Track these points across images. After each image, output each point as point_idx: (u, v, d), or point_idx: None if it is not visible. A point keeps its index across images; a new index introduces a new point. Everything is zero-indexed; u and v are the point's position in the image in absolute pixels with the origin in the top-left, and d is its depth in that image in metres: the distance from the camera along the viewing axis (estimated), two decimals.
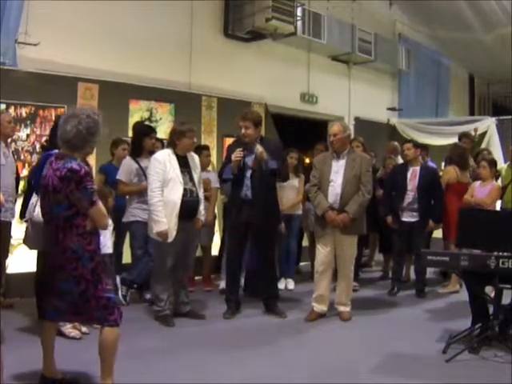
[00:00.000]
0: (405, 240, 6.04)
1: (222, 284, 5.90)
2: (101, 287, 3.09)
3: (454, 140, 7.36)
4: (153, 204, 4.66)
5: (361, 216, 5.03)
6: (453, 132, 8.98)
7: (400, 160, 6.95)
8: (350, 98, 9.69)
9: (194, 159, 4.95)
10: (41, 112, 5.88)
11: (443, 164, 7.41)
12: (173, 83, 7.08)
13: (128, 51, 6.65)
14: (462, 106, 12.51)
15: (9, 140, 5.21)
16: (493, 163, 5.95)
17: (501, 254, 3.91)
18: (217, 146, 7.44)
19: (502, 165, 7.16)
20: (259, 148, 4.88)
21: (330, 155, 5.13)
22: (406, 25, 10.59)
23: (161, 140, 5.85)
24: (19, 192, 5.14)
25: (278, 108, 8.46)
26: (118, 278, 5.26)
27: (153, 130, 5.66)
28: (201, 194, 4.94)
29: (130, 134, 6.08)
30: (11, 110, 5.70)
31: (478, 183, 5.91)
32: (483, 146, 8.67)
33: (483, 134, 9.00)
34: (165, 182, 4.66)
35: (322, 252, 5.02)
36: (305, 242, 7.18)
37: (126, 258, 5.65)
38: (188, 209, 4.73)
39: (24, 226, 4.32)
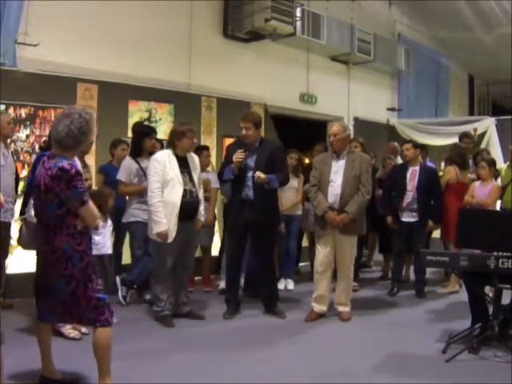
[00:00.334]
0: (404, 240, 6.04)
1: (222, 284, 5.90)
2: (91, 287, 3.10)
3: (454, 140, 7.36)
4: (152, 204, 4.66)
5: (360, 216, 5.04)
6: (452, 132, 8.98)
7: (399, 160, 6.96)
8: (350, 99, 9.70)
9: (194, 160, 4.95)
10: (40, 113, 5.88)
11: (443, 164, 7.41)
12: (172, 84, 7.08)
13: (127, 52, 6.65)
14: (461, 106, 12.52)
15: (8, 141, 5.21)
16: (492, 163, 5.95)
17: (500, 254, 3.91)
18: (216, 146, 7.44)
19: (501, 165, 7.16)
20: (259, 176, 4.86)
21: (330, 155, 5.13)
22: (405, 25, 10.60)
23: (160, 141, 5.85)
24: (19, 192, 5.14)
25: (278, 108, 8.46)
26: (117, 279, 5.26)
27: (153, 131, 5.67)
28: (200, 195, 4.94)
29: (130, 134, 6.08)
30: (11, 110, 5.70)
31: (477, 183, 5.91)
32: (483, 146, 8.67)
33: (483, 134, 9.00)
34: (164, 182, 4.66)
35: (322, 252, 5.02)
36: (304, 243, 7.18)
37: (126, 258, 5.65)
38: (188, 209, 4.74)
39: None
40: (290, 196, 6.30)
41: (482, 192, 5.77)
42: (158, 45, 6.96)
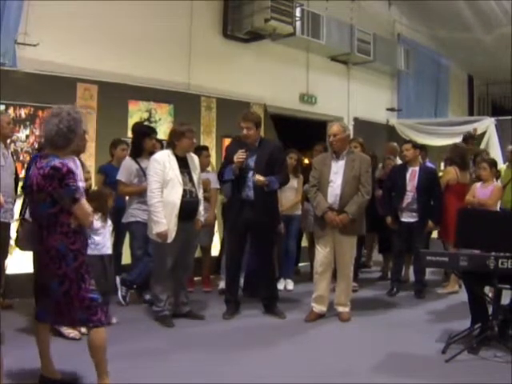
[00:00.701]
0: (404, 240, 6.05)
1: (222, 284, 5.91)
2: (84, 287, 3.10)
3: (454, 140, 7.37)
4: (152, 205, 4.66)
5: (360, 216, 5.04)
6: (452, 132, 9.01)
7: (398, 161, 6.96)
8: (349, 99, 9.70)
9: (194, 160, 4.95)
10: (40, 113, 5.88)
11: (442, 164, 7.41)
12: (172, 84, 7.08)
13: (127, 52, 6.66)
14: (461, 107, 12.53)
15: (8, 141, 5.21)
16: (493, 164, 5.96)
17: (500, 254, 3.91)
18: (216, 146, 7.44)
19: (501, 165, 7.17)
20: (259, 179, 4.86)
21: (330, 156, 5.13)
22: (405, 25, 10.61)
23: (160, 141, 5.85)
24: (18, 193, 5.14)
25: (277, 108, 8.46)
26: (117, 279, 5.26)
27: (153, 131, 5.66)
28: (200, 195, 4.94)
29: (130, 134, 6.09)
30: (10, 110, 5.70)
31: (479, 184, 5.91)
32: (482, 146, 8.69)
33: (482, 135, 9.01)
34: (164, 182, 4.66)
35: (322, 252, 5.02)
36: (304, 243, 7.18)
37: (126, 258, 5.65)
38: (187, 209, 4.74)
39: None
40: (289, 196, 6.30)
41: (483, 192, 5.77)
42: (158, 45, 6.96)
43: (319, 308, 5.07)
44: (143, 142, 5.39)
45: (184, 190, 4.71)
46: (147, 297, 5.33)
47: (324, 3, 8.70)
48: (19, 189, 5.18)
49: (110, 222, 4.65)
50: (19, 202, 4.84)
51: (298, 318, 5.09)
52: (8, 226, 4.90)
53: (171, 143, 4.83)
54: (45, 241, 3.07)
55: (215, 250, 6.62)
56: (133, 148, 5.52)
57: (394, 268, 6.38)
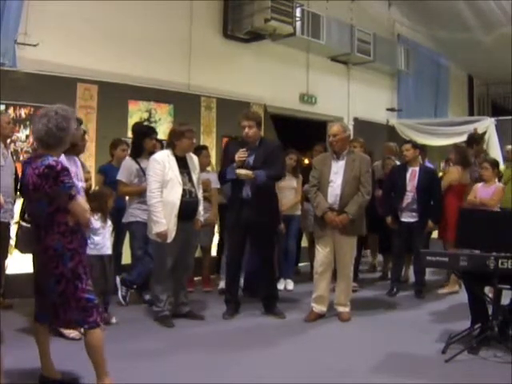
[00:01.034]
0: (404, 240, 6.05)
1: (222, 284, 5.91)
2: (81, 287, 3.09)
3: (454, 140, 7.38)
4: (152, 205, 4.66)
5: (360, 217, 5.03)
6: (452, 132, 9.02)
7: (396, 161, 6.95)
8: (349, 99, 9.70)
9: (193, 160, 4.95)
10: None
11: (442, 164, 7.41)
12: (172, 84, 7.08)
13: (127, 52, 6.66)
14: (461, 107, 12.53)
15: (8, 141, 5.21)
16: (495, 164, 5.96)
17: (500, 254, 3.91)
18: (216, 146, 7.44)
19: (501, 165, 7.16)
20: (240, 172, 4.82)
21: (330, 156, 5.13)
22: (405, 25, 10.60)
23: (160, 141, 5.85)
24: (18, 193, 5.14)
25: (277, 108, 8.46)
26: (117, 279, 5.27)
27: (153, 131, 5.66)
28: (200, 195, 4.94)
29: (129, 134, 6.09)
30: (10, 110, 5.71)
31: (480, 184, 5.92)
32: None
33: (482, 135, 9.00)
34: (164, 182, 4.66)
35: (322, 253, 5.02)
36: (304, 243, 7.18)
37: (126, 258, 5.65)
38: (187, 209, 4.74)
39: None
40: (289, 196, 6.30)
41: (485, 192, 5.78)
42: (158, 45, 6.96)
43: (319, 308, 5.07)
44: (143, 142, 5.39)
45: (183, 190, 4.71)
46: (147, 297, 5.33)
47: (324, 3, 8.70)
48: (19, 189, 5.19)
49: (109, 223, 4.66)
50: (19, 203, 4.85)
51: (298, 318, 5.09)
52: (8, 226, 4.90)
53: (171, 143, 4.83)
54: (42, 240, 3.08)
55: (215, 250, 6.62)
56: (133, 148, 5.53)
57: (393, 268, 6.38)
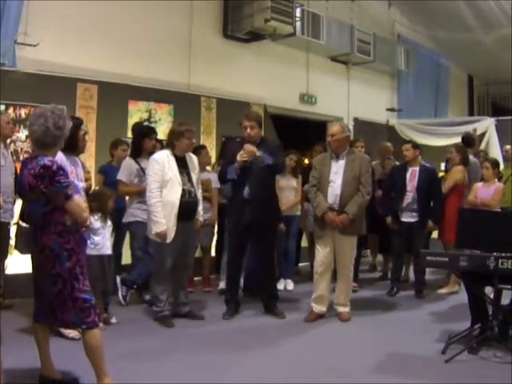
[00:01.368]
0: (404, 240, 6.05)
1: (222, 285, 5.91)
2: (78, 287, 3.09)
3: (454, 141, 7.37)
4: (151, 205, 4.66)
5: (360, 217, 5.03)
6: (452, 132, 9.01)
7: None
8: (349, 99, 9.70)
9: (193, 160, 4.95)
10: None
11: (443, 165, 7.40)
12: (172, 84, 7.08)
13: (127, 52, 6.66)
14: (461, 107, 12.53)
15: (8, 141, 5.21)
16: (495, 164, 5.96)
17: (500, 254, 3.91)
18: (216, 146, 7.44)
19: (501, 165, 7.17)
20: (248, 147, 4.83)
21: (330, 156, 5.13)
22: (405, 25, 10.60)
23: (160, 141, 5.85)
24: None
25: (277, 109, 8.47)
26: (117, 278, 5.27)
27: (153, 131, 5.66)
28: (199, 195, 4.94)
29: (129, 134, 6.09)
30: (10, 110, 5.71)
31: (480, 184, 5.92)
32: (482, 146, 8.68)
33: (482, 135, 9.01)
34: (163, 182, 4.66)
35: (322, 253, 5.02)
36: (303, 243, 7.18)
37: (126, 258, 5.65)
38: (187, 209, 4.74)
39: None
40: (289, 196, 6.30)
41: (486, 192, 5.78)
42: (158, 45, 6.97)
43: (319, 308, 5.07)
44: (143, 142, 5.39)
45: (183, 190, 4.71)
46: (147, 297, 5.33)
47: (324, 3, 8.70)
48: None
49: (109, 223, 4.66)
50: (19, 203, 4.85)
51: (298, 318, 5.09)
52: (8, 226, 4.89)
53: (170, 143, 4.83)
54: (39, 240, 3.08)
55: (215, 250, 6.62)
56: (133, 148, 5.53)
57: (393, 268, 6.38)
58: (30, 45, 5.79)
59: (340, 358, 4.05)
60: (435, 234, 6.63)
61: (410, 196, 5.99)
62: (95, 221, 4.46)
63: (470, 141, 7.07)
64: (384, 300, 5.94)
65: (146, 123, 6.56)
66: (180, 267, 4.87)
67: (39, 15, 5.85)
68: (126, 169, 5.34)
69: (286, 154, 6.04)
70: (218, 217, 6.20)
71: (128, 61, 6.67)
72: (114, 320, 4.70)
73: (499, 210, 5.75)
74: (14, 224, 4.36)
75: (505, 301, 4.30)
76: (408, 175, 6.05)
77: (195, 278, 6.12)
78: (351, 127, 9.02)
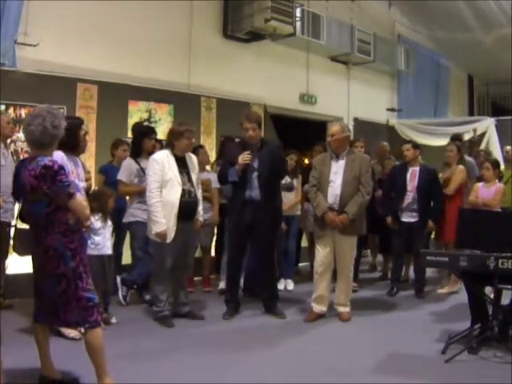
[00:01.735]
0: (404, 240, 6.04)
1: (222, 285, 5.91)
2: (81, 286, 3.09)
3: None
4: (151, 205, 4.66)
5: (360, 217, 5.03)
6: (452, 133, 8.99)
7: None
8: (349, 99, 9.71)
9: (193, 160, 4.95)
10: None
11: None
12: (172, 84, 7.08)
13: (127, 52, 6.66)
14: (461, 107, 12.54)
15: (8, 141, 5.21)
16: (496, 164, 5.96)
17: (500, 254, 3.91)
18: (216, 146, 7.43)
19: (501, 165, 7.16)
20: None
21: (330, 156, 5.13)
22: (405, 25, 10.61)
23: (160, 141, 5.85)
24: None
25: (277, 108, 8.47)
26: (118, 278, 5.27)
27: (153, 131, 5.66)
28: (199, 195, 4.94)
29: (130, 134, 6.09)
30: (10, 110, 5.71)
31: (480, 184, 5.93)
32: (482, 146, 8.68)
33: (482, 135, 9.01)
34: (163, 182, 4.66)
35: (322, 253, 5.02)
36: (303, 243, 7.18)
37: (127, 258, 5.65)
38: (187, 209, 4.73)
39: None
40: (289, 196, 6.29)
41: (487, 192, 5.78)
42: (158, 45, 6.97)
43: (319, 308, 5.07)
44: (143, 142, 5.39)
45: (183, 190, 4.71)
46: (147, 297, 5.33)
47: (324, 3, 8.70)
48: None
49: (109, 223, 4.66)
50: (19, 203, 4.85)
51: (298, 318, 5.09)
52: (8, 225, 4.89)
53: (170, 143, 4.83)
54: (42, 241, 3.07)
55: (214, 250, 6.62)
56: (133, 148, 5.53)
57: (393, 268, 6.38)
58: (30, 45, 5.80)
59: (340, 357, 4.05)
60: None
61: (410, 196, 5.99)
62: (96, 221, 4.46)
63: (470, 144, 7.09)
64: (384, 300, 5.94)
65: (145, 123, 6.56)
66: (180, 267, 4.87)
67: (39, 15, 5.85)
68: (126, 169, 5.34)
69: (286, 153, 6.04)
70: (218, 217, 6.20)
71: (128, 61, 6.67)
72: (114, 320, 4.70)
73: (499, 210, 5.75)
74: (12, 227, 4.36)
75: (505, 301, 4.30)
76: (408, 175, 6.05)
77: (195, 278, 6.11)
78: (351, 127, 9.02)
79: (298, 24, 7.95)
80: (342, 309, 5.10)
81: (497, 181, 5.96)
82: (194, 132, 5.01)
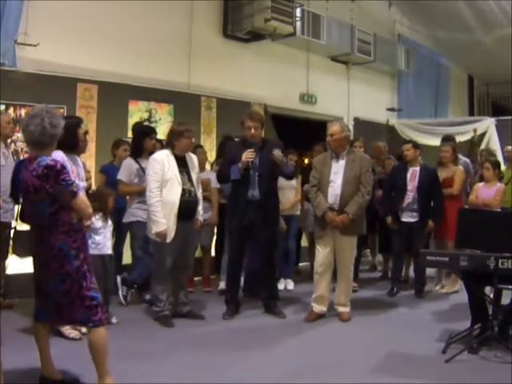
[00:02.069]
0: (404, 240, 6.04)
1: (222, 285, 5.90)
2: (85, 285, 3.10)
3: None
4: (151, 204, 4.66)
5: (360, 216, 5.03)
6: (452, 133, 8.98)
7: None
8: (349, 99, 9.71)
9: (193, 159, 4.95)
10: None
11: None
12: (172, 84, 7.08)
13: (127, 52, 6.66)
14: (461, 107, 12.53)
15: (8, 141, 5.21)
16: (496, 165, 5.96)
17: (500, 254, 3.91)
18: (216, 146, 7.43)
19: (502, 166, 7.16)
20: (278, 154, 4.87)
21: (330, 156, 5.13)
22: (405, 25, 10.61)
23: (160, 141, 5.85)
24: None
25: (277, 108, 8.47)
26: (118, 278, 5.27)
27: (153, 131, 5.66)
28: (199, 194, 4.94)
29: (130, 134, 6.09)
30: (11, 110, 5.71)
31: (481, 184, 5.93)
32: (482, 146, 8.68)
33: (483, 135, 9.01)
34: (163, 182, 4.66)
35: (322, 253, 5.02)
36: (304, 243, 7.18)
37: (127, 258, 5.65)
38: (187, 209, 4.73)
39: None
40: (289, 196, 6.30)
41: (487, 193, 5.78)
42: (158, 45, 6.97)
43: (319, 308, 5.07)
44: (143, 141, 5.39)
45: (183, 190, 4.71)
46: (147, 297, 5.32)
47: (324, 3, 8.70)
48: None
49: (110, 222, 4.66)
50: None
51: (298, 318, 5.09)
52: (9, 225, 4.89)
53: (170, 143, 4.83)
54: (46, 241, 3.07)
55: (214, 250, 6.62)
56: (133, 148, 5.53)
57: (393, 268, 6.38)
58: (30, 45, 5.80)
59: (340, 357, 4.05)
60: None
61: (410, 196, 5.98)
62: (96, 220, 4.46)
63: (471, 144, 7.10)
64: (384, 300, 5.94)
65: (146, 123, 6.57)
66: (180, 267, 4.87)
67: (39, 15, 5.85)
68: (126, 169, 5.34)
69: (286, 153, 6.03)
70: (218, 217, 6.20)
71: (128, 61, 6.67)
72: (114, 320, 4.69)
73: (499, 210, 5.75)
74: (12, 228, 4.36)
75: (505, 301, 4.30)
76: (408, 175, 6.05)
77: (195, 278, 6.11)
78: (351, 127, 9.01)
79: (298, 24, 7.95)
80: (342, 309, 5.10)
81: (497, 181, 5.96)
82: (194, 132, 5.01)
